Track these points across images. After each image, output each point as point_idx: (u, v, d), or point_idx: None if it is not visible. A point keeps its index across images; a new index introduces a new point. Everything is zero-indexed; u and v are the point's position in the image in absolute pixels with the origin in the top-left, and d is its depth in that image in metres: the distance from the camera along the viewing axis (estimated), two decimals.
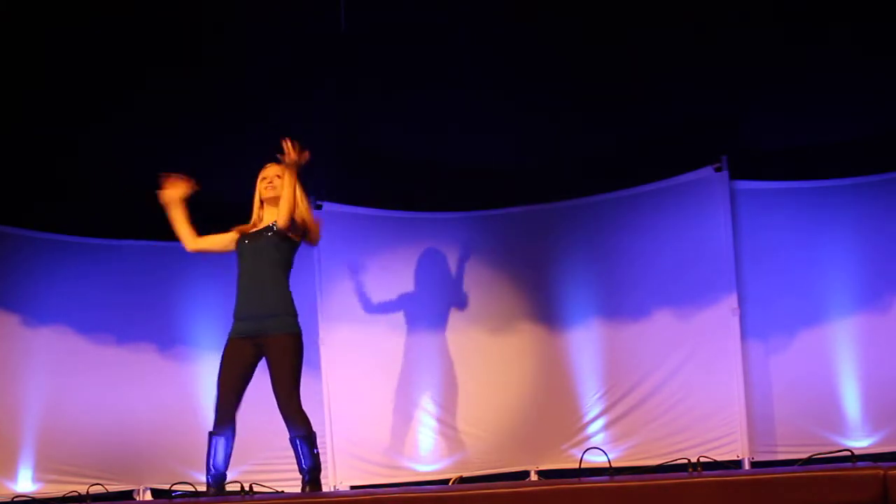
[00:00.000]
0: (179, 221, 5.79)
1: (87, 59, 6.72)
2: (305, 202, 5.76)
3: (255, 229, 5.78)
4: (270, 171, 5.81)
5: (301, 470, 5.67)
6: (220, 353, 5.70)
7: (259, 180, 5.84)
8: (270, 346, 5.63)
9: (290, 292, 5.74)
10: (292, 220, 5.66)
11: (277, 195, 5.71)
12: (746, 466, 6.49)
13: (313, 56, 6.81)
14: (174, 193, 5.78)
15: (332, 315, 7.08)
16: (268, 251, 5.69)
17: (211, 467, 5.72)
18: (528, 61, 6.75)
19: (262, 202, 5.84)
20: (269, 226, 5.74)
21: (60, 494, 6.60)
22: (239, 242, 5.79)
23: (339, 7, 6.59)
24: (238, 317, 5.71)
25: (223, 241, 5.86)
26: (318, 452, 5.67)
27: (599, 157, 7.05)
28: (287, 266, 5.75)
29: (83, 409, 7.15)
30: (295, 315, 5.70)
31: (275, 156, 5.66)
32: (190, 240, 5.83)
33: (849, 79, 6.50)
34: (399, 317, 7.14)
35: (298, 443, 5.62)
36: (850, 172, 6.65)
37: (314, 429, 6.58)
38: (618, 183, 6.97)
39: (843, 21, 6.37)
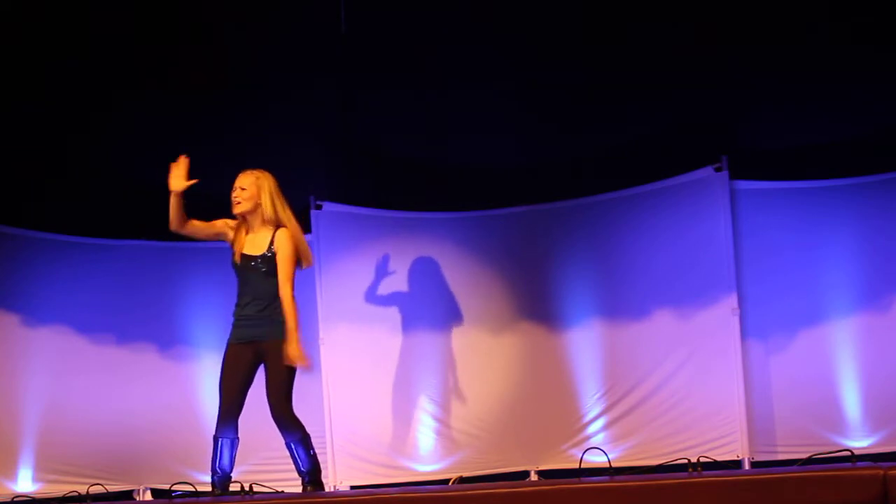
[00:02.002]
0: (175, 207, 5.75)
1: (86, 59, 6.72)
2: (302, 242, 5.84)
3: (247, 249, 5.79)
4: (238, 181, 5.85)
5: (300, 473, 5.73)
6: (222, 358, 5.77)
7: (233, 189, 5.87)
8: (269, 351, 5.70)
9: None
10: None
11: (246, 210, 5.78)
12: (746, 466, 6.49)
13: (313, 56, 6.81)
14: (178, 182, 5.73)
15: (332, 315, 7.08)
16: (258, 274, 5.76)
17: (217, 469, 5.75)
18: (529, 61, 6.76)
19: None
20: (253, 257, 5.77)
21: (60, 494, 6.59)
22: (234, 257, 5.81)
23: (339, 7, 6.59)
24: (239, 322, 5.78)
25: (209, 230, 5.88)
26: (314, 453, 5.75)
27: (599, 157, 7.05)
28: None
29: (83, 409, 7.15)
30: None
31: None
32: (176, 222, 5.77)
33: (848, 79, 6.50)
34: (399, 317, 7.14)
35: (295, 447, 5.70)
36: (850, 172, 6.65)
37: (311, 429, 6.60)
38: (618, 183, 6.96)
39: (843, 21, 6.37)
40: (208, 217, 5.87)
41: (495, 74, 6.83)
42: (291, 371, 5.69)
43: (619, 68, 6.72)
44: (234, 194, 5.84)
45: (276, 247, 5.75)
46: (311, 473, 5.71)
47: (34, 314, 7.15)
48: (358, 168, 7.27)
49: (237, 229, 5.84)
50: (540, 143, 7.07)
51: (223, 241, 5.89)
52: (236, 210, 5.83)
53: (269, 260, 5.73)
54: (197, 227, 5.84)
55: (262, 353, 5.72)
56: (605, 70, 6.74)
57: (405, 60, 6.84)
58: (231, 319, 5.81)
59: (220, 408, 5.74)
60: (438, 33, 6.74)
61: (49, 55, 6.71)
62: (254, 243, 5.81)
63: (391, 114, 7.07)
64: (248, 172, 5.85)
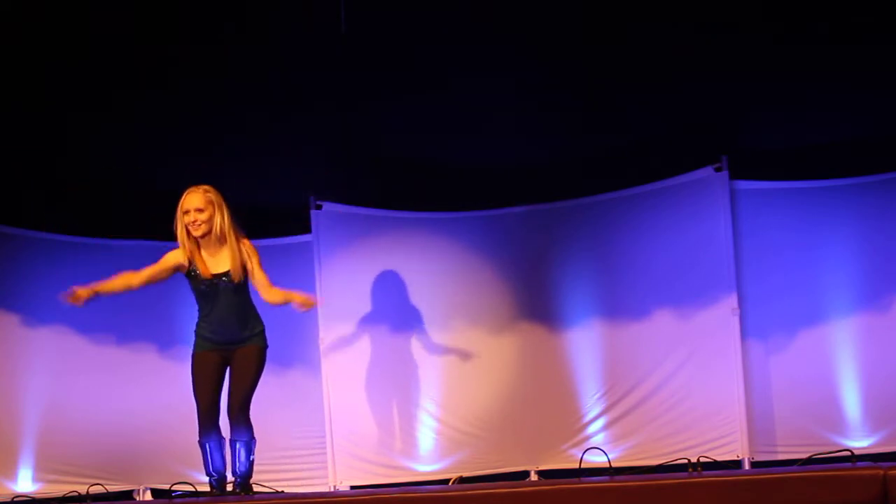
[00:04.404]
0: (110, 289, 5.81)
1: (86, 59, 6.72)
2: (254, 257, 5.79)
3: (203, 276, 5.75)
4: (190, 202, 5.70)
5: (234, 474, 5.76)
6: (191, 367, 5.81)
7: (181, 213, 5.71)
8: (238, 356, 5.76)
9: (256, 308, 5.85)
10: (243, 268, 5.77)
11: (205, 232, 5.69)
12: (746, 466, 6.50)
13: (314, 56, 6.80)
14: (82, 298, 5.73)
15: (332, 315, 7.08)
16: (228, 292, 5.75)
17: (212, 472, 5.77)
18: (529, 61, 6.75)
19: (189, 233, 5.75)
20: (222, 273, 5.74)
21: (60, 494, 6.60)
22: (194, 283, 5.79)
23: (339, 7, 6.58)
24: (206, 335, 5.79)
25: (165, 272, 5.82)
26: (253, 460, 5.77)
27: (599, 157, 7.05)
28: (247, 290, 5.82)
29: (83, 409, 7.15)
30: (263, 330, 5.83)
31: (192, 182, 5.73)
32: (134, 282, 5.82)
33: (848, 79, 6.50)
34: (399, 317, 7.14)
35: (240, 447, 5.73)
36: (850, 172, 6.65)
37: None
38: (618, 183, 6.97)
39: (843, 20, 6.37)
40: None
41: (495, 74, 6.83)
42: (258, 373, 5.76)
43: (619, 68, 6.71)
44: (189, 218, 5.67)
45: (245, 259, 5.72)
46: (245, 478, 5.73)
47: (34, 314, 7.15)
48: (358, 168, 7.27)
49: (191, 252, 5.74)
50: (540, 144, 7.07)
51: (181, 272, 5.81)
52: (197, 234, 5.69)
53: (237, 275, 5.72)
54: (152, 275, 5.81)
55: (229, 357, 5.77)
56: (605, 70, 6.74)
57: (405, 60, 6.83)
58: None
59: (199, 413, 5.77)
60: (438, 33, 6.73)
61: (49, 55, 6.70)
62: (216, 262, 5.77)
63: (391, 113, 7.07)
64: (197, 190, 5.71)
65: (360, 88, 6.94)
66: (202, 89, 6.90)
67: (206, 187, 5.73)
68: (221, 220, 5.69)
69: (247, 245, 5.77)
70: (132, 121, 7.00)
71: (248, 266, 5.74)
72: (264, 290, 5.76)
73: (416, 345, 7.11)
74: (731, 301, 6.65)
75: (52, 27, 6.58)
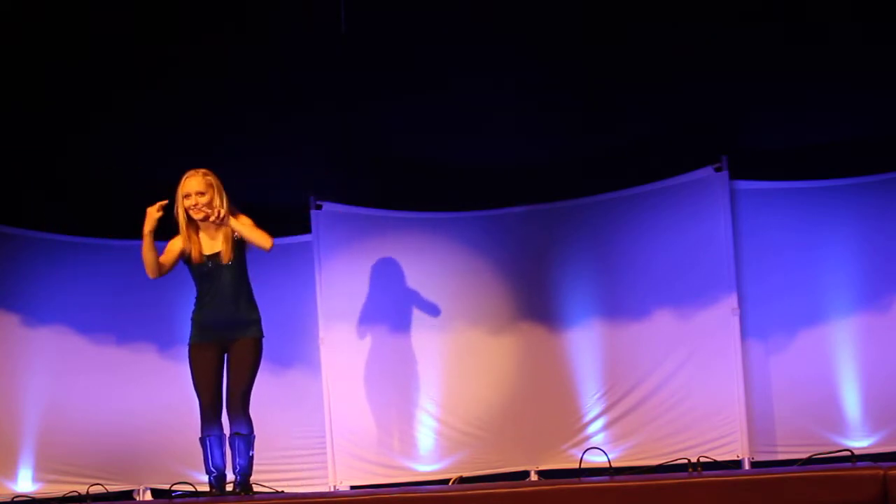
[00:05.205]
0: (151, 251, 5.70)
1: (86, 59, 6.72)
2: (245, 220, 5.76)
3: (204, 254, 5.76)
4: (191, 186, 5.73)
5: (234, 471, 5.74)
6: (188, 360, 5.81)
7: (182, 197, 5.74)
8: (237, 348, 5.75)
9: (254, 298, 5.85)
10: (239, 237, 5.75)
11: (206, 216, 5.69)
12: (746, 466, 6.50)
13: (314, 56, 6.81)
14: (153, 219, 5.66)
15: (332, 315, 7.08)
16: (226, 272, 5.75)
17: (211, 468, 5.76)
18: (529, 61, 6.75)
19: (189, 217, 5.77)
20: (215, 254, 5.76)
21: (60, 494, 6.60)
22: (192, 267, 5.81)
23: (339, 7, 6.59)
24: (202, 323, 5.78)
25: (173, 258, 5.81)
26: (252, 456, 5.75)
27: (599, 157, 7.05)
28: (245, 272, 5.83)
29: (83, 409, 7.15)
30: (259, 321, 5.82)
31: (196, 165, 5.76)
32: (155, 270, 5.74)
33: (848, 79, 6.50)
34: (399, 317, 7.14)
35: (239, 442, 5.71)
36: (850, 172, 6.65)
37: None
38: (618, 183, 6.97)
39: (843, 21, 6.37)
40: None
41: (495, 74, 6.83)
42: (256, 367, 5.75)
43: (619, 68, 6.72)
44: (190, 201, 5.71)
45: (237, 225, 5.69)
46: (244, 475, 5.71)
47: (34, 314, 7.15)
48: (358, 168, 7.27)
49: (188, 236, 5.76)
50: (540, 144, 7.07)
51: (183, 257, 5.82)
52: (199, 217, 5.73)
53: (233, 251, 5.72)
54: (166, 263, 5.80)
55: (227, 349, 5.77)
56: (605, 70, 6.74)
57: (405, 60, 6.83)
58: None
59: (201, 409, 5.77)
60: (438, 33, 6.73)
61: (49, 55, 6.70)
62: (211, 242, 5.79)
63: (391, 113, 7.07)
64: (196, 174, 5.75)
65: (360, 88, 6.94)
66: (202, 89, 6.90)
67: (205, 171, 5.78)
68: (220, 202, 5.72)
69: (243, 217, 5.78)
70: (132, 121, 7.00)
71: (241, 222, 5.70)
72: (250, 232, 5.69)
73: (415, 345, 7.12)
74: (731, 301, 6.65)
75: (52, 27, 6.58)
